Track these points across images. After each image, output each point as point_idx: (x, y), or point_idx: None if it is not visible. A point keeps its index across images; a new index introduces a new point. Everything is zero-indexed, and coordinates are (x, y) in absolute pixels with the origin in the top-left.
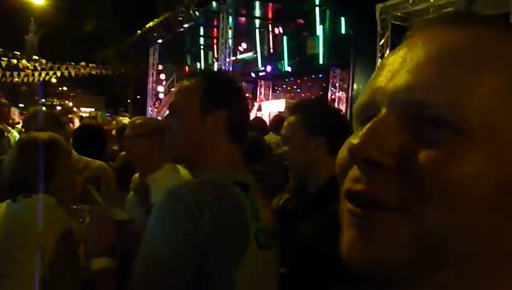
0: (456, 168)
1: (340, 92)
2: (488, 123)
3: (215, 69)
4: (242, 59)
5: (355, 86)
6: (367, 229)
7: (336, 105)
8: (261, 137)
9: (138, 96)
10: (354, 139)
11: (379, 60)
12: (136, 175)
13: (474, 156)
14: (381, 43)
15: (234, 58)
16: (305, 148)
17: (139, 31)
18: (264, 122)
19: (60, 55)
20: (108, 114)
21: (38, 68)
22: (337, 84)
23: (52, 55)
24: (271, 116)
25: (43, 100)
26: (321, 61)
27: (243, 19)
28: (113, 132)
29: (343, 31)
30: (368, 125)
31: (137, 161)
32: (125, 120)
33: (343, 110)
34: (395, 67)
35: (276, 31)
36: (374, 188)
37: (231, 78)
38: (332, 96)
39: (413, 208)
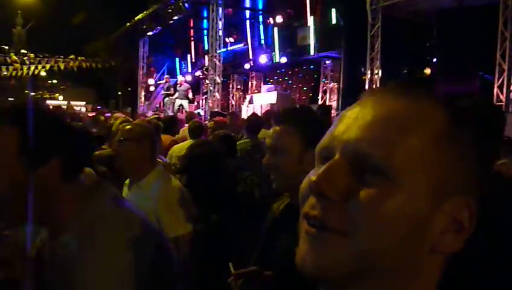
0: (382, 205)
1: (332, 83)
2: (408, 172)
3: (206, 62)
4: (233, 51)
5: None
6: (317, 245)
7: (328, 96)
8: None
9: (129, 89)
10: (314, 176)
11: (369, 50)
12: (127, 181)
13: (396, 196)
14: (371, 33)
15: (225, 49)
16: (301, 161)
17: (128, 24)
18: (257, 120)
19: (49, 48)
20: (99, 107)
21: (27, 62)
22: (328, 75)
23: (41, 48)
24: (262, 109)
25: (33, 94)
26: (312, 52)
27: (233, 10)
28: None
29: (333, 21)
30: (325, 166)
31: (127, 165)
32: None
33: (335, 101)
34: (350, 121)
35: (267, 22)
36: (325, 215)
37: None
38: (324, 88)
39: (352, 232)
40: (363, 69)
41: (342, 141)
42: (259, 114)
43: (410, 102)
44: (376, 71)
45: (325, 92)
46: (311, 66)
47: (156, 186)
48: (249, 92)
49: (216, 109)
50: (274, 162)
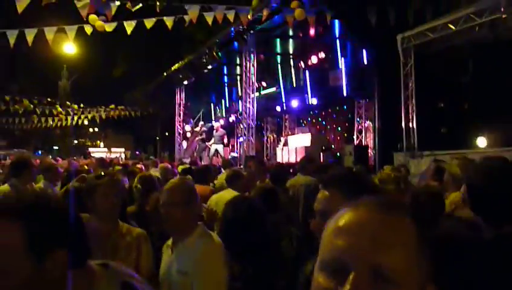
0: None
1: (367, 122)
2: (407, 277)
3: (240, 106)
4: (266, 95)
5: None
6: None
7: (363, 135)
8: (274, 189)
9: (166, 134)
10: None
11: (403, 88)
12: (169, 242)
13: None
14: (404, 72)
15: (258, 94)
16: None
17: (165, 74)
18: (284, 170)
19: (91, 98)
20: (137, 152)
21: (71, 113)
22: (362, 115)
23: (84, 99)
24: (297, 152)
25: (76, 141)
26: (345, 93)
27: (265, 55)
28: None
29: (364, 62)
30: (351, 282)
31: (173, 227)
32: (155, 172)
33: (371, 140)
34: (352, 236)
35: (299, 65)
36: None
37: None
38: (359, 127)
39: None
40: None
41: (355, 256)
42: (294, 156)
43: (396, 218)
44: (411, 109)
45: (360, 132)
46: (345, 106)
47: (199, 245)
48: (283, 134)
49: (251, 153)
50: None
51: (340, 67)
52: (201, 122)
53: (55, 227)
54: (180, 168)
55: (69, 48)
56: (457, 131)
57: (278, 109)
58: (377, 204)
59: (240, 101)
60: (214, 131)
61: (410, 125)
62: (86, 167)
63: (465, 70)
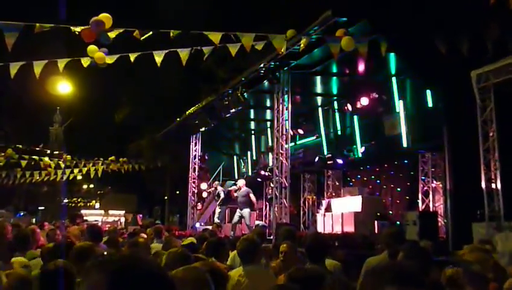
0: None
1: (435, 182)
2: None
3: (270, 160)
4: (303, 145)
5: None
6: None
7: (430, 198)
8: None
9: (177, 192)
10: None
11: (482, 138)
12: None
13: None
14: (483, 118)
15: (293, 144)
16: None
17: (178, 119)
18: (320, 245)
19: (87, 148)
20: (140, 215)
21: (62, 165)
22: (429, 172)
23: (79, 148)
24: (344, 219)
25: (66, 200)
26: (405, 144)
27: (301, 97)
28: None
29: (429, 104)
30: None
31: None
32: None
33: (441, 205)
34: None
35: (344, 108)
36: None
37: None
38: (425, 188)
39: None
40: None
41: None
42: (339, 225)
43: None
44: (493, 165)
45: (426, 194)
46: (405, 161)
47: None
48: (325, 195)
49: (283, 220)
50: None
51: (397, 111)
52: (217, 182)
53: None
54: (184, 241)
55: (63, 87)
56: None
57: (319, 163)
58: None
59: (270, 154)
60: (237, 190)
61: (493, 186)
62: (72, 238)
63: None
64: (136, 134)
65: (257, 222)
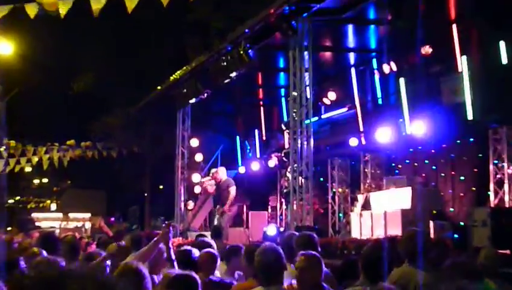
0: None
1: None
2: None
3: (286, 141)
4: (331, 119)
5: None
6: None
7: (506, 189)
8: None
9: (161, 188)
10: None
11: None
12: None
13: None
14: None
15: (316, 118)
16: None
17: (159, 87)
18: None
19: (38, 129)
20: (112, 218)
21: (4, 154)
22: (504, 154)
23: (26, 130)
24: (388, 219)
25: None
26: (470, 116)
27: (328, 54)
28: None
29: (503, 61)
30: None
31: None
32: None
33: None
34: None
35: (386, 68)
36: None
37: None
38: (498, 175)
39: None
40: None
41: None
42: (381, 227)
43: None
44: None
45: (500, 184)
46: (471, 139)
47: None
48: (362, 188)
49: (305, 222)
50: None
51: (460, 70)
52: (214, 169)
53: None
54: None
55: (3, 47)
56: None
57: (353, 143)
58: None
59: (285, 132)
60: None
61: None
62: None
63: None
64: (104, 109)
65: (271, 225)
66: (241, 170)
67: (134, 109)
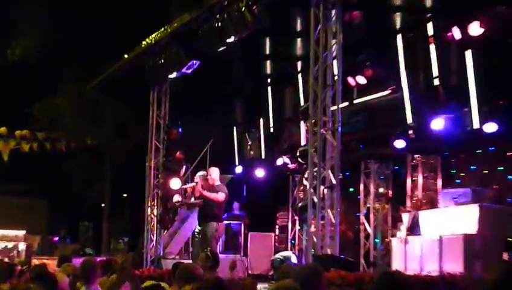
0: None
1: None
2: None
3: (302, 134)
4: (366, 105)
5: None
6: None
7: None
8: None
9: (125, 195)
10: None
11: None
12: None
13: None
14: None
15: (347, 104)
16: None
17: (126, 55)
18: None
19: None
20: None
21: None
22: None
23: None
24: (443, 247)
25: None
26: None
27: (364, 13)
28: None
29: None
30: None
31: None
32: None
33: None
34: None
35: (447, 36)
36: None
37: None
38: None
39: None
40: None
41: None
42: (434, 260)
43: None
44: None
45: None
46: None
47: None
48: (408, 203)
49: (327, 249)
50: None
51: None
52: (201, 173)
53: None
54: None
55: None
56: None
57: (400, 144)
58: None
59: (302, 123)
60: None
61: None
62: None
63: None
64: (48, 86)
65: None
66: (238, 170)
67: (89, 87)
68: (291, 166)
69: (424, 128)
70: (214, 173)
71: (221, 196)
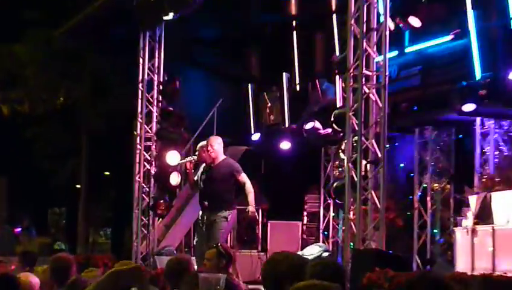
0: None
1: None
2: None
3: (338, 93)
4: (422, 56)
5: None
6: None
7: None
8: None
9: (106, 173)
10: None
11: None
12: None
13: None
14: None
15: (396, 53)
16: None
17: None
18: None
19: None
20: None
21: None
22: None
23: None
24: None
25: None
26: None
27: None
28: None
29: None
30: None
31: None
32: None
33: None
34: None
35: None
36: None
37: None
38: None
39: None
40: None
41: None
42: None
43: None
44: None
45: None
46: None
47: None
48: (476, 183)
49: (369, 242)
50: None
51: None
52: (203, 143)
53: None
54: None
55: None
56: None
57: (465, 106)
58: None
59: (337, 78)
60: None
61: None
62: None
63: None
64: (9, 31)
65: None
66: (255, 137)
67: (60, 32)
68: (322, 131)
69: (498, 85)
70: (215, 143)
71: (247, 180)
